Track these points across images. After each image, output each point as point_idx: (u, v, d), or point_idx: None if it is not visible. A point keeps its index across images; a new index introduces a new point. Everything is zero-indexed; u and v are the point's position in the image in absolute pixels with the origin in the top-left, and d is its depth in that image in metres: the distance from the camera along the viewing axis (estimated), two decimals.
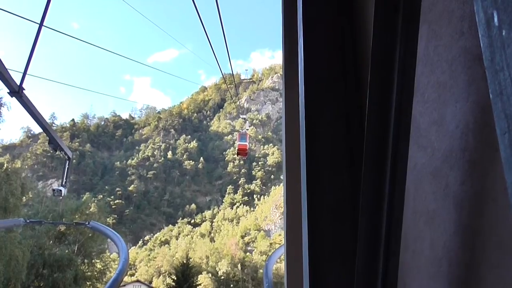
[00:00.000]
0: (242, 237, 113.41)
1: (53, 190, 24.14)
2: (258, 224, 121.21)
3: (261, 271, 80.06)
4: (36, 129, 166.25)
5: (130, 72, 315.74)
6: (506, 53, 0.65)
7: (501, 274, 1.02)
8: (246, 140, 49.78)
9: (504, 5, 0.65)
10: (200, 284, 74.49)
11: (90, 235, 62.37)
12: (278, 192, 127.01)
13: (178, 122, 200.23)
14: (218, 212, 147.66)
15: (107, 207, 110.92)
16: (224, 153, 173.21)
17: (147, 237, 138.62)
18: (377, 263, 1.32)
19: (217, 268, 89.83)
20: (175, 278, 65.80)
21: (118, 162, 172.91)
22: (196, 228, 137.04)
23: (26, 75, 12.62)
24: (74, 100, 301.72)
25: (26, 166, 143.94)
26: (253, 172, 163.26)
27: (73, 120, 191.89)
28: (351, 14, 1.98)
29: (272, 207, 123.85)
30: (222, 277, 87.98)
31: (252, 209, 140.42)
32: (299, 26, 2.06)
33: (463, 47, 1.20)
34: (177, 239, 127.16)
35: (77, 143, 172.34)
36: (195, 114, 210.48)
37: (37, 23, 11.91)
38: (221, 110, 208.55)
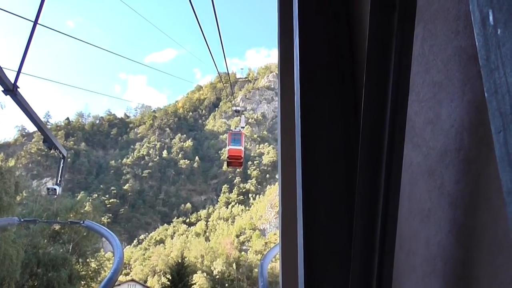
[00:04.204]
0: (237, 236, 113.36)
1: (48, 189, 24.11)
2: (253, 223, 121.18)
3: (256, 270, 79.99)
4: (31, 127, 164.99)
5: (126, 71, 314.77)
6: (501, 52, 0.65)
7: (496, 273, 1.02)
8: (240, 143, 34.73)
9: (500, 4, 0.65)
10: (195, 284, 74.42)
11: (85, 234, 62.16)
12: (273, 191, 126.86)
13: (174, 121, 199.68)
14: (213, 211, 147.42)
15: (102, 206, 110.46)
16: (219, 152, 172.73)
17: (142, 236, 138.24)
18: (372, 262, 1.33)
19: (212, 267, 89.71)
20: (170, 278, 65.62)
21: (113, 161, 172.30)
22: (191, 227, 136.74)
23: (21, 74, 12.57)
24: (68, 99, 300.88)
25: (20, 165, 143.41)
26: (249, 171, 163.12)
27: (67, 118, 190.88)
28: (347, 13, 1.98)
29: (267, 206, 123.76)
30: (217, 277, 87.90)
31: (247, 208, 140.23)
32: (295, 25, 2.06)
33: (459, 46, 1.20)
34: (172, 238, 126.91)
35: (72, 142, 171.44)
36: (191, 113, 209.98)
37: (32, 21, 11.86)
38: (216, 109, 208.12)
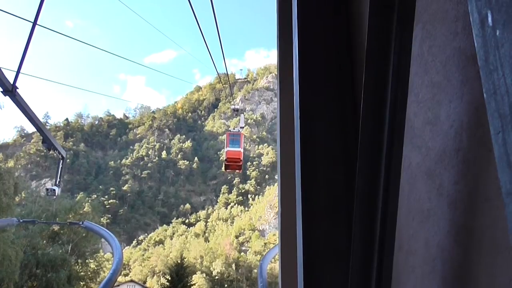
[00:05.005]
0: (237, 237, 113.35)
1: (47, 189, 24.11)
2: (252, 224, 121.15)
3: (255, 271, 79.94)
4: (30, 128, 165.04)
5: (125, 71, 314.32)
6: (500, 52, 0.65)
7: (495, 274, 1.02)
8: (239, 144, 32.16)
9: (498, 5, 0.66)
10: (194, 284, 74.40)
11: (84, 235, 62.17)
12: (272, 192, 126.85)
13: (173, 121, 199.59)
14: (213, 212, 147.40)
15: (101, 206, 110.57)
16: (218, 152, 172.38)
17: (141, 237, 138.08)
18: (371, 263, 1.32)
19: (211, 268, 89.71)
20: (169, 278, 65.64)
21: (112, 162, 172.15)
22: (191, 228, 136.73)
23: (20, 74, 12.57)
24: (68, 99, 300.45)
25: (20, 166, 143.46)
26: (248, 172, 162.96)
27: (67, 119, 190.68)
28: (346, 14, 1.98)
29: (266, 207, 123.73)
30: (217, 277, 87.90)
31: (246, 209, 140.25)
32: (294, 26, 2.06)
33: (457, 47, 1.20)
34: (171, 239, 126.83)
35: (71, 143, 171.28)
36: (190, 114, 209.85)
37: (31, 22, 11.85)
38: (215, 110, 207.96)
